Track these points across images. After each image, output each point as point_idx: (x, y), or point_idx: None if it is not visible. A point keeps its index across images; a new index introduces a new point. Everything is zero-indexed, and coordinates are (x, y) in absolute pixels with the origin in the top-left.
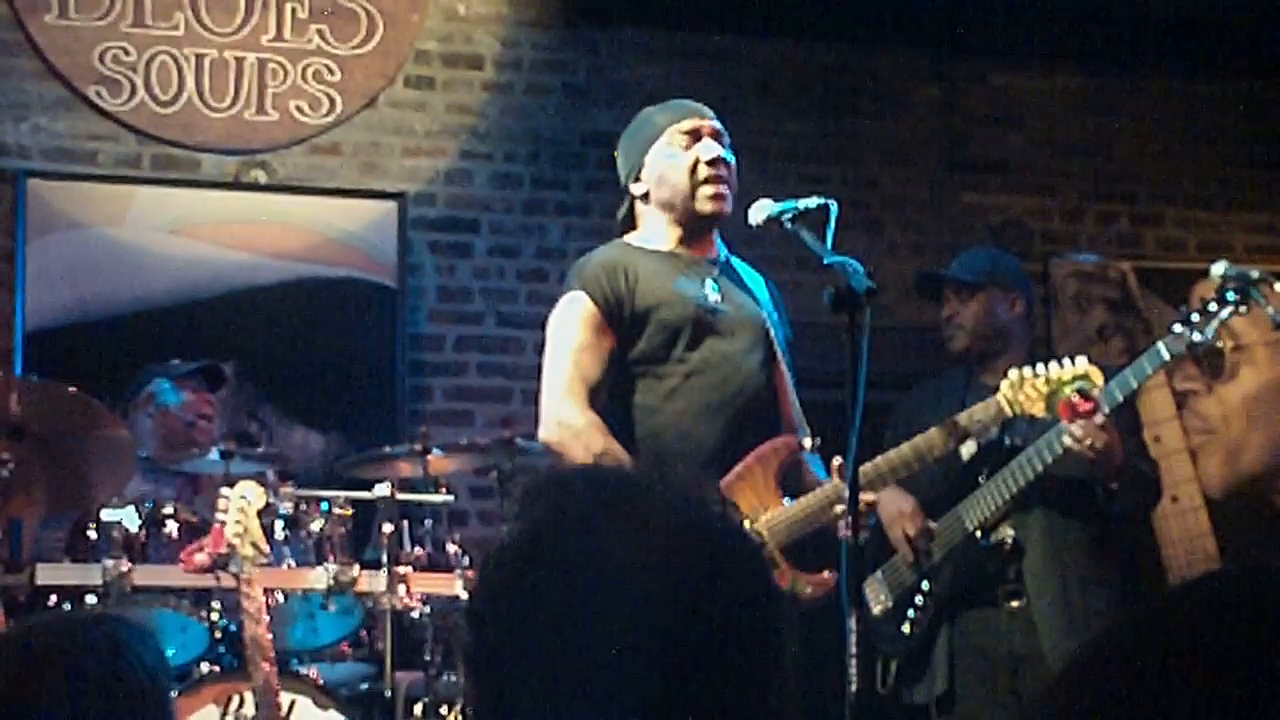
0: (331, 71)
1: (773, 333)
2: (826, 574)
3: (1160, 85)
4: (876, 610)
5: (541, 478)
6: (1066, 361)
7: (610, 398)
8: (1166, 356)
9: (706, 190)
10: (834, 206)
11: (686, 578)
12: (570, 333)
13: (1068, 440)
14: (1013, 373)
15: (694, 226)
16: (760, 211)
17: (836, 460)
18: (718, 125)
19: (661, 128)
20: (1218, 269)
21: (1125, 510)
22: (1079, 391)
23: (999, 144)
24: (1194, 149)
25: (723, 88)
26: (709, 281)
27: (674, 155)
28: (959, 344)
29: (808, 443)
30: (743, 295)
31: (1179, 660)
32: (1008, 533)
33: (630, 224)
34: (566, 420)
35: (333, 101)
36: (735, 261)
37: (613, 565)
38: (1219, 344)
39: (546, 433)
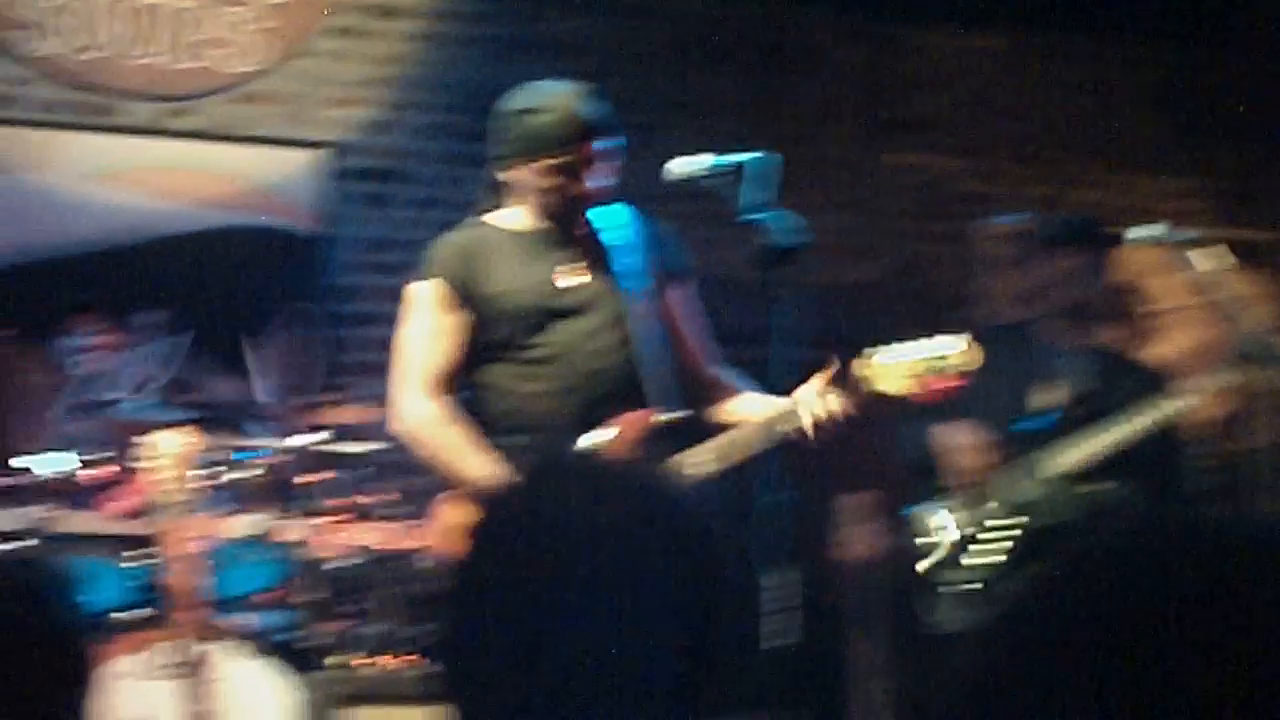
0: (255, 20)
1: (633, 301)
2: None
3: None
4: (944, 544)
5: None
6: (933, 340)
7: (467, 377)
8: None
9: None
10: (773, 161)
11: (684, 552)
12: (417, 319)
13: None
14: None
15: (561, 218)
16: (683, 167)
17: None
18: (611, 145)
19: (550, 145)
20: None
21: None
22: (937, 370)
23: (925, 105)
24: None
25: (651, 45)
26: (564, 260)
27: (557, 180)
28: None
29: (664, 416)
30: (600, 270)
31: None
32: (1108, 485)
33: (494, 191)
34: (410, 410)
35: (257, 51)
36: (607, 216)
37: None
38: None
39: (394, 426)
